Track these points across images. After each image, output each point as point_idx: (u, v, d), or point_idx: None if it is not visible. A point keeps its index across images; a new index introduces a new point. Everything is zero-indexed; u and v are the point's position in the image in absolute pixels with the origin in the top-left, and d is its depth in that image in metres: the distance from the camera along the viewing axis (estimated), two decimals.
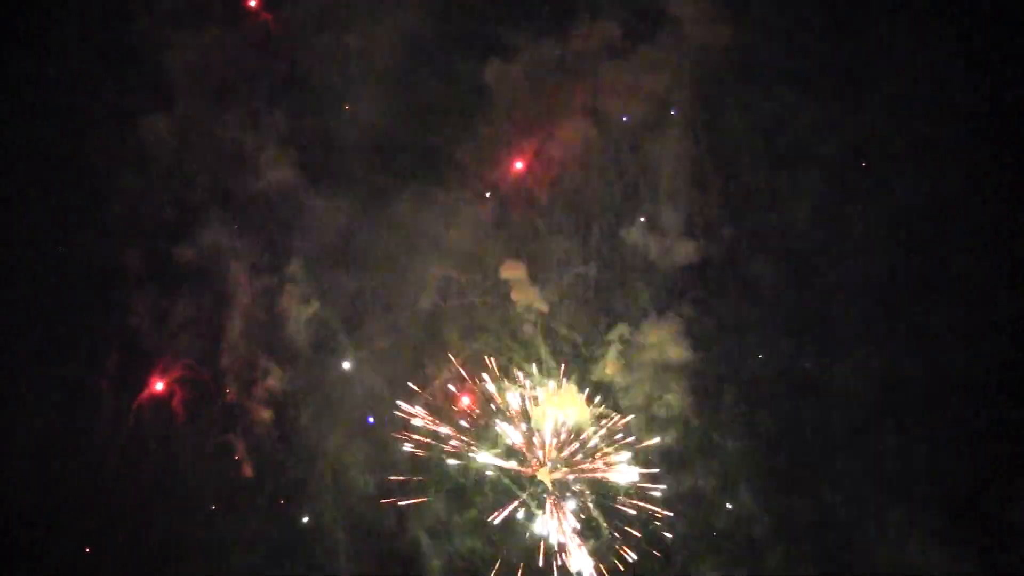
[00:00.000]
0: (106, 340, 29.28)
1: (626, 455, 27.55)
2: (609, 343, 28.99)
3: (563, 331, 29.03)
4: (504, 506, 27.60)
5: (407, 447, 28.00)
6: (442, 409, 28.18)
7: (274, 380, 29.48)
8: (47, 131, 29.10)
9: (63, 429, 28.71)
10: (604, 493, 27.65)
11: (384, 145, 29.50)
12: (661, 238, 28.70)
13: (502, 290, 29.16)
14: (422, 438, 27.98)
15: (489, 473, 27.84)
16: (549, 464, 27.72)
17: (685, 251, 28.71)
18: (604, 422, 27.80)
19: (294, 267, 29.55)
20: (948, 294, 27.97)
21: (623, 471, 27.44)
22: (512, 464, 27.74)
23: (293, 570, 28.88)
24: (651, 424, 28.19)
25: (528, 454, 27.81)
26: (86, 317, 29.29)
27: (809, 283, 28.93)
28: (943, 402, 27.50)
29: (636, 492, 27.54)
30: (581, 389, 28.23)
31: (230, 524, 28.70)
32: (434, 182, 29.24)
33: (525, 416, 27.80)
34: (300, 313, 29.50)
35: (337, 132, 29.59)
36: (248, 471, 29.13)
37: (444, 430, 28.00)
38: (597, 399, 28.11)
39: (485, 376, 28.13)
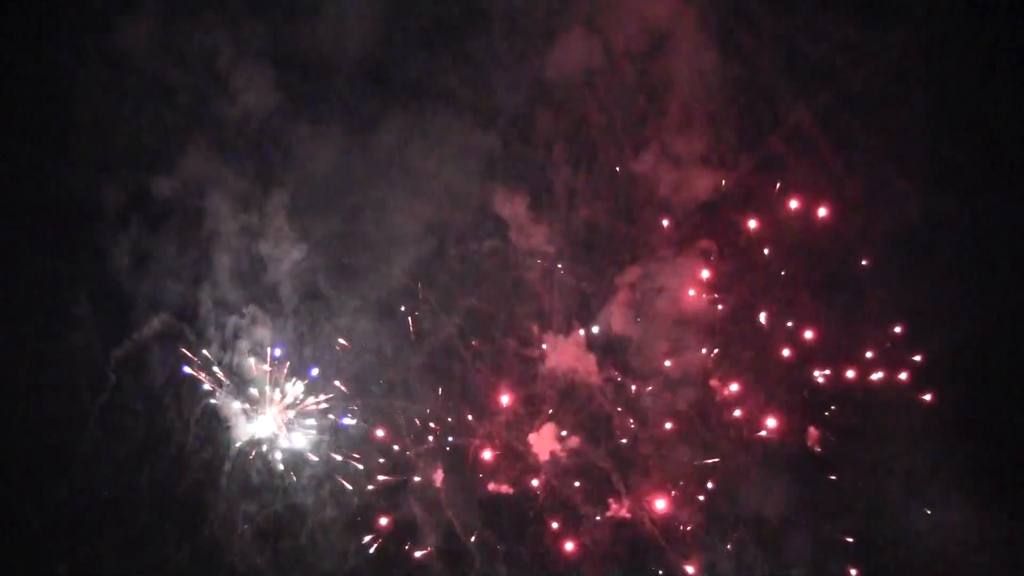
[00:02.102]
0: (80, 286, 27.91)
1: None
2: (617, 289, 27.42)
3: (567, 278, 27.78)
4: None
5: None
6: None
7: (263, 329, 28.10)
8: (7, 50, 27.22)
9: (36, 387, 27.55)
10: None
11: (373, 70, 27.55)
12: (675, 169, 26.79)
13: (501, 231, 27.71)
14: None
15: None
16: None
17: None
18: None
19: (279, 207, 27.84)
20: (985, 238, 26.70)
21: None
22: None
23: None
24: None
25: None
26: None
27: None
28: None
29: None
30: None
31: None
32: (426, 110, 27.40)
33: None
34: (285, 259, 28.06)
35: (324, 55, 27.38)
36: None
37: None
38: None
39: None
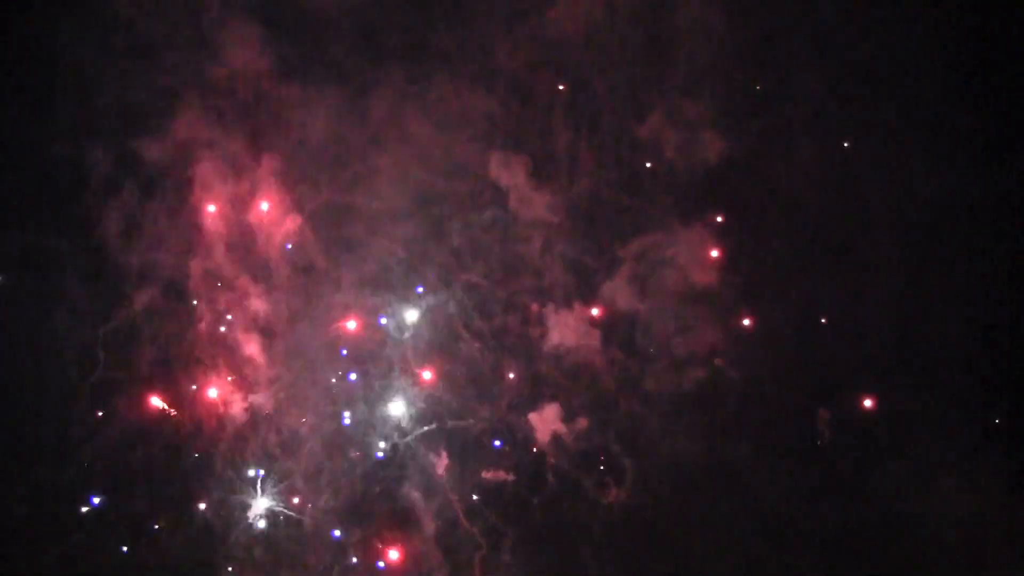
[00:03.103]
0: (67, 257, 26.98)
1: None
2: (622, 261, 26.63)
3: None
4: None
5: None
6: None
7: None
8: None
9: (19, 368, 26.61)
10: None
11: (367, 30, 26.83)
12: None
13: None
14: None
15: None
16: None
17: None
18: None
19: (270, 173, 27.03)
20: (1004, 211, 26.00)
21: None
22: None
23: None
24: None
25: None
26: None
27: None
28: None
29: None
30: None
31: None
32: (422, 72, 26.63)
33: None
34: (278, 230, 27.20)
35: (316, 14, 26.76)
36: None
37: None
38: None
39: None
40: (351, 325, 27.13)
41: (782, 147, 26.11)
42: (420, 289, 27.21)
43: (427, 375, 26.87)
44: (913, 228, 26.17)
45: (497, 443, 26.80)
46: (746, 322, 26.63)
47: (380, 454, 26.84)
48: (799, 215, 26.41)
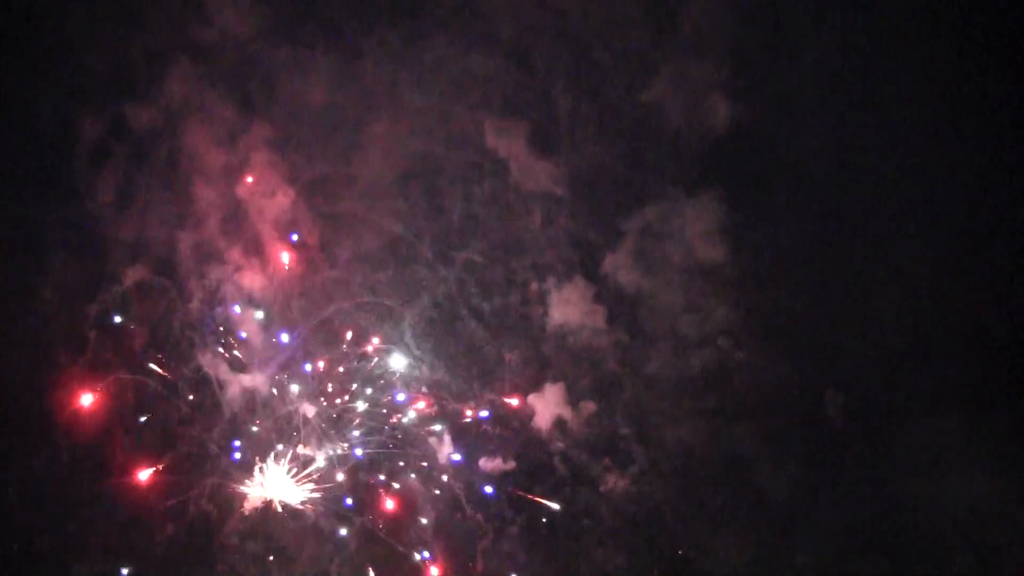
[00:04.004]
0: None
1: None
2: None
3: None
4: None
5: None
6: None
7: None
8: None
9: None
10: None
11: None
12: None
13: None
14: None
15: None
16: None
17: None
18: None
19: (262, 142, 26.38)
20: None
21: None
22: None
23: None
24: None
25: None
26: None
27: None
28: None
29: None
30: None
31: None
32: (417, 35, 25.94)
33: None
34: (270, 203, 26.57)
35: None
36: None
37: None
38: None
39: None
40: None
41: (792, 115, 25.30)
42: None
43: (425, 356, 26.34)
44: (928, 206, 25.46)
45: (497, 428, 26.35)
46: (753, 301, 25.92)
47: (381, 439, 26.41)
48: (809, 188, 25.76)
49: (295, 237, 26.59)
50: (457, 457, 26.19)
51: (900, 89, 25.46)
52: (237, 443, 26.34)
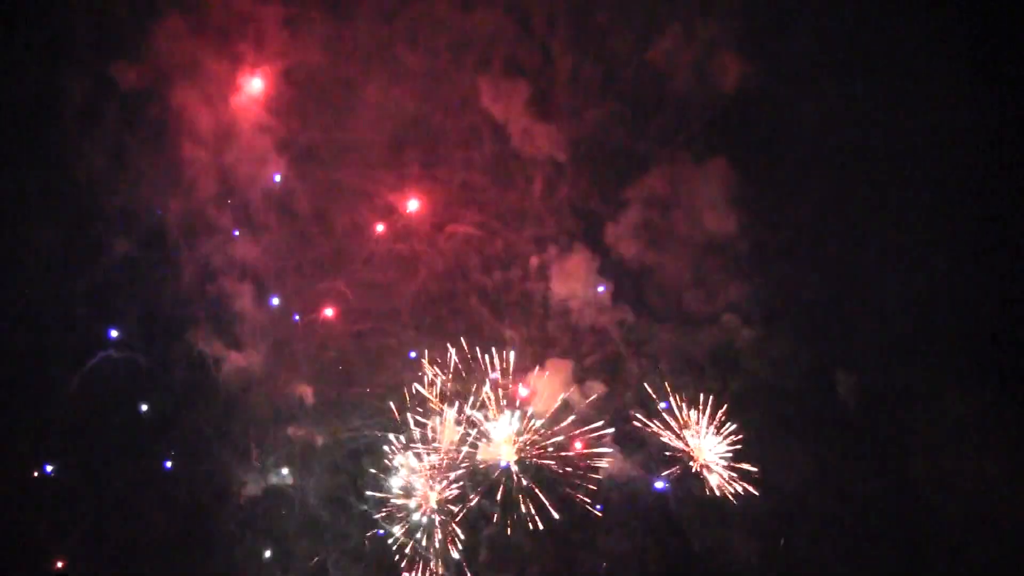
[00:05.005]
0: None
1: None
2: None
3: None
4: None
5: None
6: None
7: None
8: None
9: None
10: None
11: None
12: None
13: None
14: None
15: None
16: None
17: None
18: None
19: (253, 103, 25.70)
20: None
21: None
22: None
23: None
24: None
25: None
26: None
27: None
28: None
29: None
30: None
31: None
32: None
33: None
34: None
35: None
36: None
37: None
38: None
39: None
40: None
41: (806, 78, 24.26)
42: None
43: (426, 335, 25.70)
44: (946, 182, 24.46)
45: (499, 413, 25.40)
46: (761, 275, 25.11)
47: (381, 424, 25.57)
48: (823, 155, 24.76)
49: (277, 178, 26.05)
50: None
51: (919, 53, 24.21)
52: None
